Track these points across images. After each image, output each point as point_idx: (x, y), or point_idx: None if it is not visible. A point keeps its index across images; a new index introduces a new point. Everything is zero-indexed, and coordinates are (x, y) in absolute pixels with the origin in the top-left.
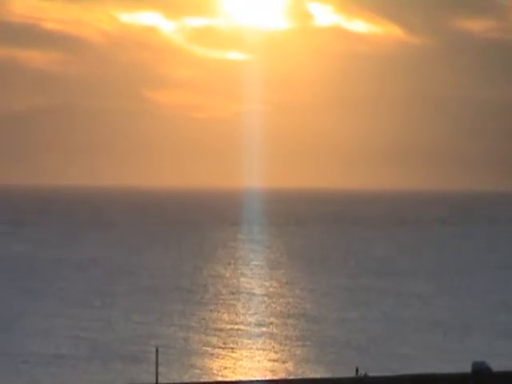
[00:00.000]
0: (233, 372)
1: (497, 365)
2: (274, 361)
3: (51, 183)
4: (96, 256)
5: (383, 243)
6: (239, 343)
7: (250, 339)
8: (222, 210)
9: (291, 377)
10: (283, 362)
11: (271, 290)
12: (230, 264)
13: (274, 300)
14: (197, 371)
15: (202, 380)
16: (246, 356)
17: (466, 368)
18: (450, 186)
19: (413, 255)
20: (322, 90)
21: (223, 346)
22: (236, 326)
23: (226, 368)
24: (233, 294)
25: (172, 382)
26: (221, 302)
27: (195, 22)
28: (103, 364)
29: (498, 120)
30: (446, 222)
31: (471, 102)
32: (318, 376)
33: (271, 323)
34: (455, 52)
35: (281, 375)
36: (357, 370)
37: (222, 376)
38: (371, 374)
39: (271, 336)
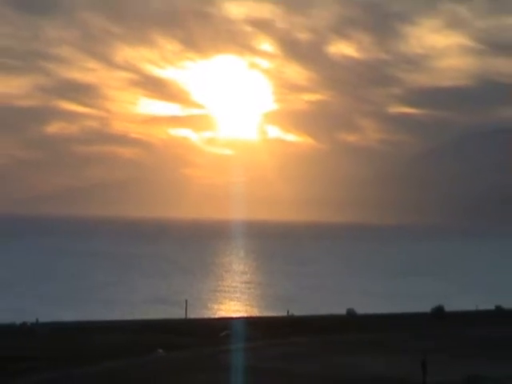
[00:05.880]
0: (227, 311)
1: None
2: (247, 305)
3: (133, 215)
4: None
5: (313, 250)
6: (228, 296)
7: (234, 294)
8: (221, 230)
9: (250, 315)
10: (251, 306)
11: (247, 269)
12: (225, 256)
13: (247, 275)
14: (209, 312)
15: (212, 317)
16: (234, 302)
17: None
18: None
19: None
20: (272, 171)
21: (222, 297)
22: (228, 286)
23: (226, 308)
24: (227, 272)
25: (195, 317)
26: (220, 275)
27: (207, 134)
28: (156, 306)
29: (361, 188)
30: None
31: (353, 181)
32: (267, 315)
33: (245, 286)
34: (344, 153)
35: (249, 313)
36: (288, 312)
37: (222, 313)
38: (296, 314)
39: (245, 292)
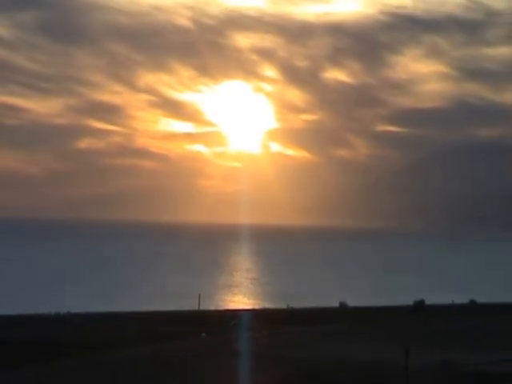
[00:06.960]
0: (235, 303)
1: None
2: (252, 299)
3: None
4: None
5: (310, 250)
6: (236, 290)
7: (240, 289)
8: (230, 233)
9: (254, 307)
10: (256, 300)
11: (252, 267)
12: (234, 256)
13: (252, 272)
14: (219, 304)
15: (222, 308)
16: (240, 296)
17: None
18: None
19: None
20: (274, 181)
21: (230, 292)
22: (235, 281)
23: (233, 301)
24: (235, 271)
25: (207, 308)
26: (229, 271)
27: (218, 149)
28: (174, 300)
29: (345, 196)
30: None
31: (344, 190)
32: (269, 307)
33: (250, 282)
34: (336, 165)
35: (254, 306)
36: (287, 305)
37: (230, 306)
38: (295, 306)
39: (250, 287)
